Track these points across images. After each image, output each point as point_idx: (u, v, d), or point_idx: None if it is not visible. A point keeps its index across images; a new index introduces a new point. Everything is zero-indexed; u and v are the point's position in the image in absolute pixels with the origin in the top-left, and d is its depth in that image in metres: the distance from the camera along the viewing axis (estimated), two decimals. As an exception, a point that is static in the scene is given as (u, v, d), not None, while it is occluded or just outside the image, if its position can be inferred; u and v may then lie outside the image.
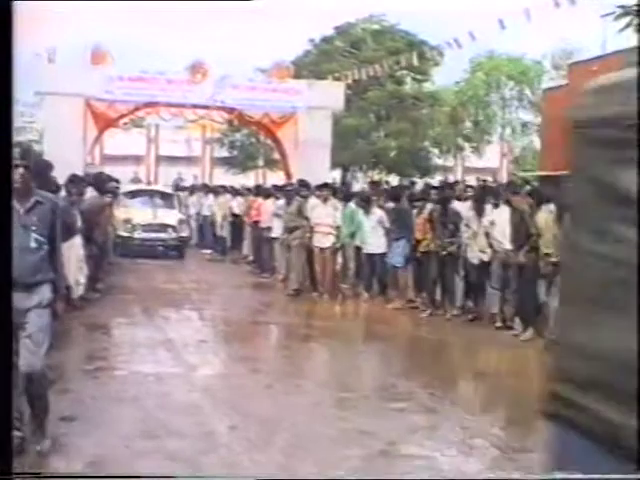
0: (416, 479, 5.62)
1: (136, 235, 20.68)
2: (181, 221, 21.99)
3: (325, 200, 15.24)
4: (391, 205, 14.53)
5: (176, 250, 21.72)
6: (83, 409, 7.11)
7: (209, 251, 23.50)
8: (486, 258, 12.19)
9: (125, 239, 20.31)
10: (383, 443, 6.50)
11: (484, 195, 12.98)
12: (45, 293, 5.72)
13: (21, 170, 5.44)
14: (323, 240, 15.11)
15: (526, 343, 10.87)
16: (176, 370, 8.95)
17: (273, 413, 7.33)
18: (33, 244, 5.58)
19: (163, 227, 21.24)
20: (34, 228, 5.58)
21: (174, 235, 21.37)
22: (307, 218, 15.28)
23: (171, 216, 21.84)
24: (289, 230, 15.70)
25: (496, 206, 12.27)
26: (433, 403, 7.87)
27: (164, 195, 24.17)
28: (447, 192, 14.41)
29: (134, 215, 21.00)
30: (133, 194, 23.26)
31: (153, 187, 27.10)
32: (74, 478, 1.80)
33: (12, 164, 4.89)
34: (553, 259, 10.58)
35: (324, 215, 15.12)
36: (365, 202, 15.00)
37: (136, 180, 33.61)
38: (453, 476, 5.88)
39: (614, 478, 1.96)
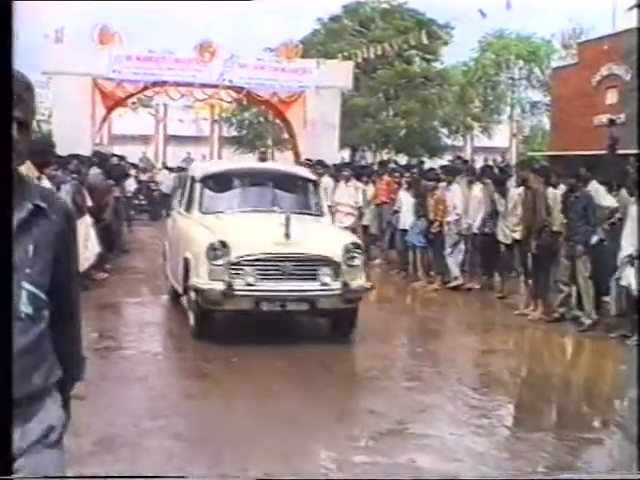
0: (423, 479, 5.59)
1: (238, 284, 8.83)
2: (352, 248, 9.33)
3: (347, 181, 15.49)
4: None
5: (337, 320, 9.74)
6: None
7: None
8: (508, 241, 12.19)
9: (210, 295, 8.91)
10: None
11: (506, 177, 13.16)
12: (52, 414, 2.61)
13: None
14: (344, 220, 15.25)
15: (534, 323, 10.92)
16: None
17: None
18: (25, 308, 2.43)
19: (308, 264, 9.11)
20: (28, 271, 2.43)
21: (337, 285, 9.06)
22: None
23: (324, 235, 9.86)
24: None
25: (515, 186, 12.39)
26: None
27: (296, 183, 10.98)
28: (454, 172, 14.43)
29: (232, 233, 9.24)
30: (221, 181, 10.73)
31: (267, 165, 14.12)
32: (75, 478, 1.77)
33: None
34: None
35: (346, 195, 15.34)
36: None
37: (145, 160, 33.26)
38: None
39: (614, 478, 1.99)
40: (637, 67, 14.78)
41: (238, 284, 8.80)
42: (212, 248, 8.91)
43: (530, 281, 11.59)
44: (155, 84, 24.20)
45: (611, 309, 10.56)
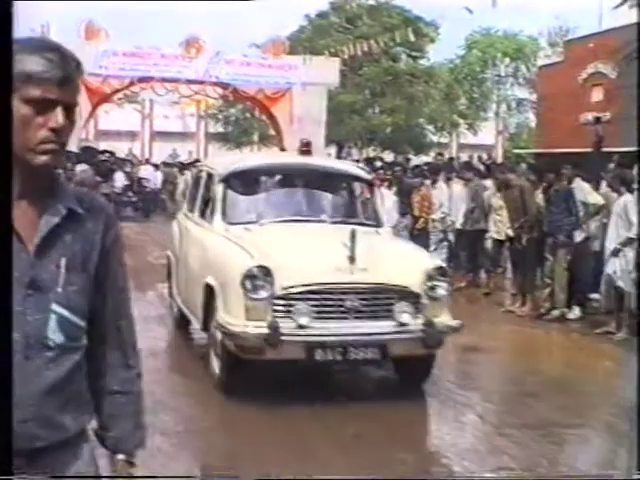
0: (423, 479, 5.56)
1: (286, 326, 6.38)
2: (435, 275, 6.85)
3: None
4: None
5: (409, 369, 7.29)
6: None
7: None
8: (501, 237, 12.21)
9: (248, 342, 6.50)
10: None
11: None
12: (90, 468, 2.09)
13: (60, 119, 1.88)
14: None
15: (521, 319, 10.95)
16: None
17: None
18: (55, 336, 1.93)
19: (381, 297, 6.76)
20: (59, 291, 1.93)
21: (417, 325, 6.70)
22: None
23: (397, 257, 7.22)
24: None
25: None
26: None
27: (347, 184, 8.66)
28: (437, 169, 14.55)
29: (275, 254, 6.77)
30: (250, 181, 8.21)
31: (309, 160, 8.68)
32: (77, 478, 1.76)
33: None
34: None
35: None
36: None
37: (131, 156, 33.12)
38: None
39: (614, 479, 1.99)
40: (638, 64, 14.79)
41: (286, 326, 6.39)
42: (249, 276, 6.46)
43: (518, 277, 11.61)
44: (141, 80, 24.15)
45: (600, 306, 10.64)
